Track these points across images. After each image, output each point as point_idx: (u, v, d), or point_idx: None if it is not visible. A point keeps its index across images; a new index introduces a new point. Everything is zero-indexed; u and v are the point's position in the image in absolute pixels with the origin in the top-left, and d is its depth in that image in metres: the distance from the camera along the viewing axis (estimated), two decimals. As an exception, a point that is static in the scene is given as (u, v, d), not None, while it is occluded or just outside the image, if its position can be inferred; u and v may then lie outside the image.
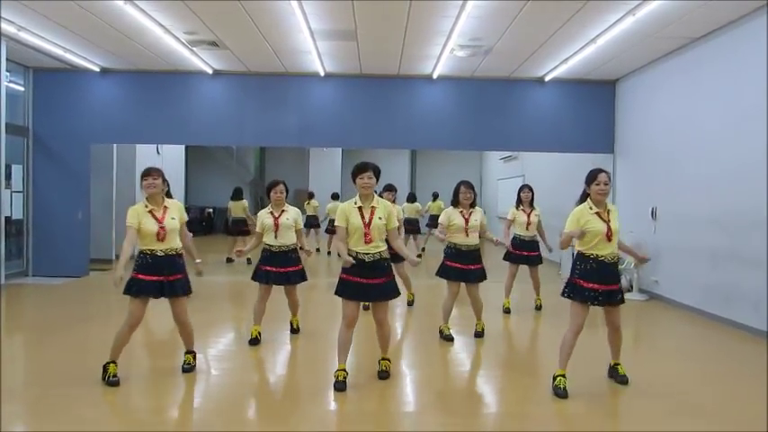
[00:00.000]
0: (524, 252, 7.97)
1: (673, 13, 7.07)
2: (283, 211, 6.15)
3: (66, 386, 4.75)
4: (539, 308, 8.09)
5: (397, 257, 7.85)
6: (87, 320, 7.33)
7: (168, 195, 5.03)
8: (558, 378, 4.72)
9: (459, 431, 4.16)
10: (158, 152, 13.62)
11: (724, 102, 7.52)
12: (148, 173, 4.86)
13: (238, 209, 12.76)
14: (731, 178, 7.30)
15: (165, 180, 4.96)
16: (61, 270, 10.31)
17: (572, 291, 4.77)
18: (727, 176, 7.38)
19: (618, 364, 5.03)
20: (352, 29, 8.07)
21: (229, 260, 12.69)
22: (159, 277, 4.78)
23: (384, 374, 5.05)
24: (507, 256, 8.08)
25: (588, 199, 4.82)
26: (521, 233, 8.01)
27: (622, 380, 4.95)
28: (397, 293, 4.96)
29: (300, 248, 6.32)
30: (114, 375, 4.75)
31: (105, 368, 4.78)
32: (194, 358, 5.19)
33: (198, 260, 5.17)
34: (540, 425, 4.33)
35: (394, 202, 7.97)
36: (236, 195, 12.93)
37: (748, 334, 6.85)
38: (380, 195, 7.98)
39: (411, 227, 13.70)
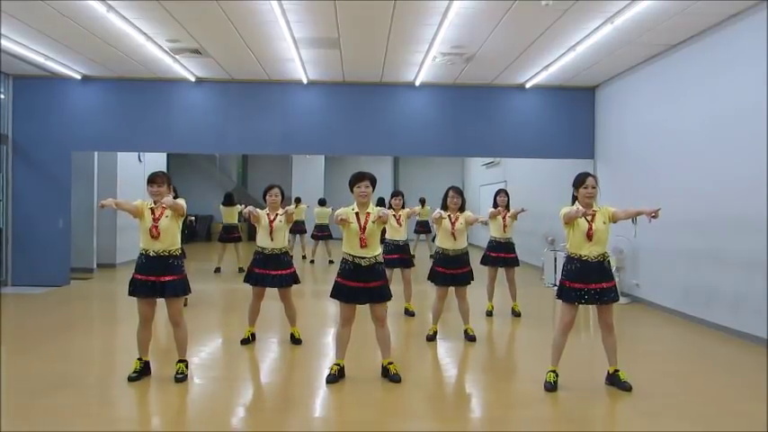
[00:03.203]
0: (501, 254, 8.05)
1: (650, 21, 7.22)
2: (278, 214, 6.28)
3: (48, 396, 4.71)
4: (517, 314, 8.07)
5: (405, 262, 7.98)
6: (69, 330, 7.26)
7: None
8: (548, 373, 5.00)
9: (444, 434, 4.20)
10: (140, 160, 13.55)
11: (701, 106, 7.68)
12: (153, 180, 5.02)
13: (232, 215, 12.56)
14: (709, 182, 7.46)
15: (170, 185, 5.13)
16: (42, 279, 10.20)
17: (560, 292, 5.04)
18: (705, 180, 7.53)
19: (618, 371, 5.00)
20: (335, 37, 8.12)
21: (218, 270, 12.44)
22: (151, 278, 4.94)
23: (396, 377, 5.09)
24: (484, 260, 8.17)
25: (576, 202, 4.99)
26: (497, 236, 8.08)
27: (625, 386, 4.89)
28: (390, 296, 5.16)
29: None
30: (134, 372, 5.06)
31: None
32: (187, 367, 5.17)
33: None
34: (524, 428, 4.37)
35: (403, 207, 8.14)
36: (229, 201, 12.63)
37: (726, 335, 7.00)
38: (390, 201, 8.13)
39: None
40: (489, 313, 8.11)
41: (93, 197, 11.83)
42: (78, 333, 7.18)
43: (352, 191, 5.07)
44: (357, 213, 5.02)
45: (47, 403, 4.56)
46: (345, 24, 7.64)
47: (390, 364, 5.20)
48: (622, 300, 9.25)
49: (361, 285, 4.99)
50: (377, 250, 5.06)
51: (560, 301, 5.04)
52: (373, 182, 5.07)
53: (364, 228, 4.97)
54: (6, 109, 10.35)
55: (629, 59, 9.02)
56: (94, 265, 12.03)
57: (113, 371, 5.55)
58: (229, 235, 12.48)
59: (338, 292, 5.06)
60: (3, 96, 10.32)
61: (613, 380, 5.01)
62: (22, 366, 5.68)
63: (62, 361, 5.82)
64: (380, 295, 5.07)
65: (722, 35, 7.27)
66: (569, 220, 4.87)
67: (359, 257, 4.98)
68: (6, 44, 8.34)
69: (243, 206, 10.98)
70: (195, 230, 20.41)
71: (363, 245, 4.97)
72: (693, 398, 4.92)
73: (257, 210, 6.21)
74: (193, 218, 20.48)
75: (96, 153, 11.87)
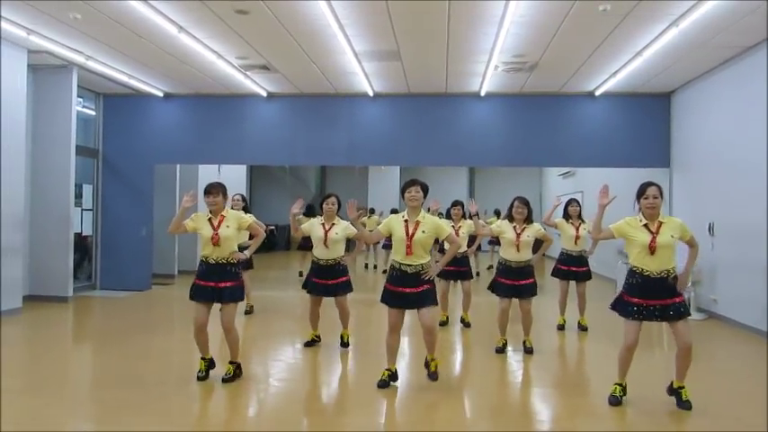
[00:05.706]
0: (572, 268, 7.77)
1: (718, 23, 6.87)
2: (333, 224, 6.40)
3: (124, 390, 5.04)
4: (584, 329, 7.77)
5: (463, 275, 7.86)
6: (148, 331, 7.70)
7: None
8: (614, 386, 4.84)
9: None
10: (219, 172, 14.18)
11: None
12: (209, 191, 5.27)
13: None
14: (788, 192, 6.95)
15: (225, 195, 5.36)
16: (126, 284, 10.89)
17: (617, 304, 4.81)
18: (785, 190, 7.03)
19: (682, 388, 4.72)
20: (395, 49, 8.24)
21: (301, 274, 13.02)
22: (210, 283, 5.18)
23: (434, 376, 5.15)
24: (555, 273, 7.94)
25: (640, 212, 4.79)
26: (568, 248, 7.80)
27: (684, 406, 4.62)
28: (435, 301, 5.11)
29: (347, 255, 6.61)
30: (200, 371, 5.30)
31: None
32: (237, 369, 5.35)
33: (244, 256, 5.41)
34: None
35: (464, 216, 7.89)
36: (309, 212, 13.07)
37: (808, 356, 6.48)
38: (449, 210, 7.97)
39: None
40: (561, 327, 7.85)
41: (175, 207, 12.51)
42: (157, 334, 7.59)
43: (403, 197, 5.13)
44: (407, 221, 5.04)
45: (120, 396, 4.89)
46: (403, 36, 7.74)
47: (433, 360, 5.22)
48: (698, 315, 8.76)
49: (405, 290, 5.01)
50: (425, 258, 5.05)
51: (623, 318, 4.75)
52: (424, 188, 5.12)
53: (412, 235, 4.99)
54: (97, 125, 11.18)
55: (704, 63, 8.59)
56: (175, 272, 12.71)
57: (186, 370, 5.73)
58: (309, 244, 12.82)
59: (385, 297, 5.13)
60: (94, 113, 11.17)
61: (674, 393, 4.76)
62: (103, 363, 6.23)
63: (141, 359, 6.23)
64: (423, 299, 5.01)
65: (803, 34, 6.79)
66: (596, 233, 4.94)
67: (405, 265, 5.01)
68: (93, 65, 9.07)
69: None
70: (275, 240, 21.03)
71: (409, 252, 4.98)
72: (762, 419, 4.59)
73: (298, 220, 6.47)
74: (273, 227, 21.20)
75: (178, 165, 12.56)
